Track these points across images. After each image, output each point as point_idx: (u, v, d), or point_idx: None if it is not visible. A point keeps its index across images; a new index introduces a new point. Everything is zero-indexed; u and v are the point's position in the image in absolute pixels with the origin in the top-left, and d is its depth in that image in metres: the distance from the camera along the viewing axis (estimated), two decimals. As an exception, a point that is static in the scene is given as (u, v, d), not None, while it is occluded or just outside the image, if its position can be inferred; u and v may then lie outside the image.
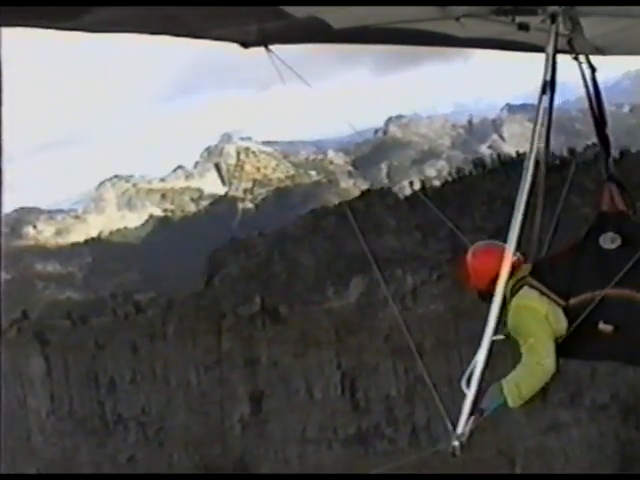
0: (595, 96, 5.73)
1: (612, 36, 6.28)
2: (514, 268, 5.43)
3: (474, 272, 5.61)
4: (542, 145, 5.54)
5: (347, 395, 61.48)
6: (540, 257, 5.69)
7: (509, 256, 5.33)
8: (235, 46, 5.34)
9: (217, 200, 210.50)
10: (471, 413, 5.19)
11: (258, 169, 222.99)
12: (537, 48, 5.63)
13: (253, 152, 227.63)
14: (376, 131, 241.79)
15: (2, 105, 2.93)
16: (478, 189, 61.66)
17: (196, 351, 66.75)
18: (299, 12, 4.68)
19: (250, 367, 63.89)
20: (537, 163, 5.46)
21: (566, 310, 5.30)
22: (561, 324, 5.29)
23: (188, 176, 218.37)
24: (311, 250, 63.54)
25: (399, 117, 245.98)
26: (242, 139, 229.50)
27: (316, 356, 61.77)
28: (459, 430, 5.12)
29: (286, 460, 61.44)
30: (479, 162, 63.38)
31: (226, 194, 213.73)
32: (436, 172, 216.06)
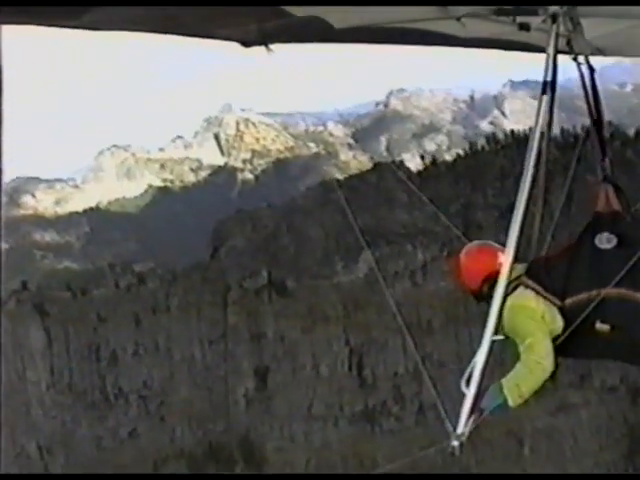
0: (593, 97, 5.76)
1: (613, 37, 6.22)
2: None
3: (466, 272, 5.63)
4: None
5: (354, 372, 60.57)
6: (535, 257, 5.72)
7: (510, 254, 5.23)
8: (236, 45, 5.27)
9: (216, 170, 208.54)
10: (471, 413, 5.15)
11: (257, 140, 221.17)
12: (538, 48, 5.61)
13: (253, 123, 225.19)
14: (377, 104, 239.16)
15: (2, 105, 2.83)
16: (490, 165, 59.85)
17: (201, 324, 65.49)
18: (300, 12, 4.66)
19: (256, 341, 62.71)
20: (537, 163, 5.41)
21: (562, 310, 5.30)
22: (557, 324, 5.29)
23: (187, 146, 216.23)
24: (320, 223, 62.07)
25: (401, 90, 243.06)
26: (242, 110, 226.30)
27: (323, 331, 60.68)
28: (459, 430, 5.08)
29: (292, 437, 60.39)
30: (492, 138, 61.19)
31: (225, 164, 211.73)
32: (436, 146, 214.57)
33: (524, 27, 5.33)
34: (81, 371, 69.10)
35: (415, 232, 59.17)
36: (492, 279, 5.43)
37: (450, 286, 58.89)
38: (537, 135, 5.38)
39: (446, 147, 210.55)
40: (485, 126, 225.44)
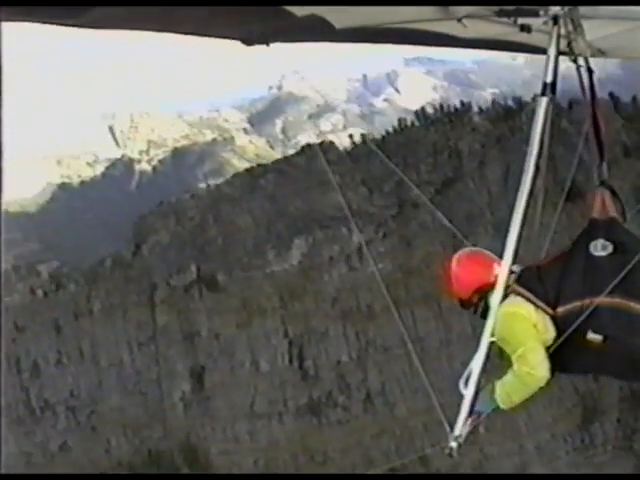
0: (591, 100, 5.67)
1: (614, 39, 6.18)
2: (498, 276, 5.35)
3: (457, 281, 5.54)
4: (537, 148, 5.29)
5: (295, 364, 57.78)
6: (527, 265, 5.51)
7: (509, 258, 5.18)
8: (237, 43, 5.11)
9: (113, 163, 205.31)
10: (469, 414, 5.20)
11: (152, 130, 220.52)
12: (539, 50, 5.59)
13: (147, 113, 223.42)
14: (271, 87, 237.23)
15: (2, 105, 2.85)
16: (422, 141, 57.07)
17: (127, 327, 61.51)
18: (301, 11, 4.58)
19: (189, 341, 59.05)
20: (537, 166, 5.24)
21: (554, 319, 5.20)
22: (549, 334, 5.20)
23: (83, 141, 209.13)
24: (249, 211, 58.72)
25: (294, 72, 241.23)
26: (135, 100, 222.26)
27: (260, 325, 57.78)
28: (456, 431, 5.17)
29: (236, 438, 57.20)
30: (421, 113, 58.22)
31: (122, 157, 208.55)
32: (331, 126, 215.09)
33: (525, 28, 5.26)
34: (2, 385, 63.58)
35: (350, 214, 55.75)
36: (483, 290, 5.41)
37: (389, 267, 56.24)
38: (537, 137, 5.22)
39: (342, 126, 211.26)
40: (379, 103, 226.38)
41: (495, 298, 5.19)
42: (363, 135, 59.66)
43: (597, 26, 5.65)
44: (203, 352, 59.09)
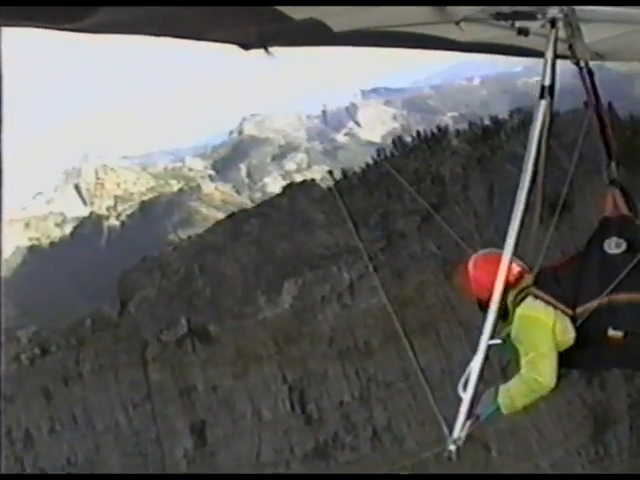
0: (595, 100, 5.73)
1: (612, 42, 6.29)
2: (518, 277, 5.42)
3: (475, 281, 5.55)
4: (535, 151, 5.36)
5: (298, 409, 56.05)
6: (543, 266, 5.55)
7: (508, 255, 5.23)
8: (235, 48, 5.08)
9: (82, 222, 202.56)
10: (467, 418, 5.22)
11: (118, 185, 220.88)
12: (536, 53, 5.61)
13: (111, 169, 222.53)
14: (231, 132, 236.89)
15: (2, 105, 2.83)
16: (403, 170, 56.04)
17: (120, 388, 59.49)
18: (298, 15, 4.53)
19: (186, 397, 57.19)
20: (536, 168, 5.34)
21: (573, 319, 5.21)
22: (569, 334, 5.21)
23: (49, 201, 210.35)
24: (235, 259, 57.06)
25: (253, 115, 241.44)
26: (99, 157, 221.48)
27: (258, 373, 56.17)
28: (455, 434, 5.18)
29: (244, 491, 54.30)
30: (398, 141, 57.22)
31: (90, 214, 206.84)
32: (296, 165, 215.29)
33: (523, 32, 5.23)
34: (-5, 459, 61.04)
35: (338, 252, 54.37)
36: (502, 290, 5.33)
37: (382, 301, 54.96)
38: (535, 139, 5.28)
39: (306, 164, 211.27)
40: (341, 138, 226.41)
41: (495, 298, 5.19)
42: (343, 170, 57.99)
43: (595, 29, 5.67)
44: (202, 407, 57.37)
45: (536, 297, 5.25)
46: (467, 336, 49.65)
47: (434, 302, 54.67)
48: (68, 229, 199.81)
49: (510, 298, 5.34)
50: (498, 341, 5.32)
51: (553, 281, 5.30)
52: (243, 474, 55.79)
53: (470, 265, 5.58)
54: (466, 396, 5.20)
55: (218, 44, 5.08)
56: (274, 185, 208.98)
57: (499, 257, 5.42)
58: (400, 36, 5.48)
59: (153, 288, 60.10)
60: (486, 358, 5.17)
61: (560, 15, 5.15)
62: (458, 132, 59.00)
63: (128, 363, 59.57)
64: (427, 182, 56.23)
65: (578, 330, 5.18)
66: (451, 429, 5.16)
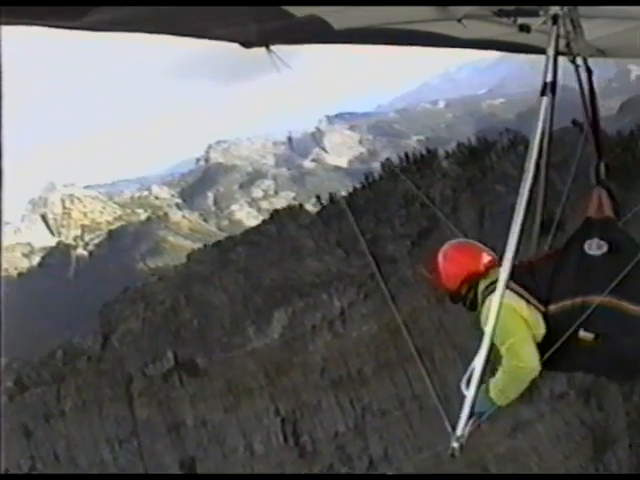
0: (590, 100, 5.74)
1: (614, 38, 6.22)
2: (488, 269, 5.34)
3: (444, 272, 5.45)
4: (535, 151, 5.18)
5: (291, 442, 54.14)
6: (520, 261, 5.33)
7: (511, 254, 5.02)
8: (236, 46, 4.99)
9: (49, 252, 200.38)
10: (470, 415, 5.06)
11: (85, 214, 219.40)
12: (538, 50, 5.56)
13: (78, 198, 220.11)
14: (198, 160, 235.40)
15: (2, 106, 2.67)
16: (392, 193, 54.37)
17: (105, 424, 57.75)
18: (299, 12, 4.49)
19: (175, 432, 55.36)
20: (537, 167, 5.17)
21: (545, 316, 5.16)
22: (540, 330, 5.13)
23: (16, 231, 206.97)
24: (222, 288, 54.75)
25: (219, 142, 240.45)
26: (65, 186, 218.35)
27: (249, 406, 54.61)
28: (458, 432, 5.03)
29: (239, 528, 51.98)
30: (387, 165, 55.60)
31: (57, 244, 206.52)
32: (263, 192, 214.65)
33: (524, 28, 5.22)
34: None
35: (329, 279, 52.43)
36: (472, 280, 5.33)
37: (374, 329, 53.30)
38: (537, 136, 5.10)
39: (273, 191, 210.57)
40: (308, 164, 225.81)
41: (496, 297, 4.97)
42: (330, 194, 56.28)
43: (597, 26, 5.65)
44: (191, 442, 55.44)
45: (510, 290, 5.05)
46: (462, 360, 48.16)
47: (428, 327, 53.14)
48: (36, 259, 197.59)
49: (481, 288, 5.26)
50: None
51: (529, 276, 5.18)
52: (243, 474, 53.84)
53: (440, 257, 5.47)
54: (469, 394, 5.03)
55: (215, 44, 5.10)
56: (241, 212, 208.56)
57: (468, 246, 5.52)
58: (401, 34, 5.45)
59: (137, 320, 57.88)
60: (489, 355, 4.99)
61: (562, 12, 5.11)
62: (447, 154, 57.46)
63: (112, 398, 57.58)
64: (416, 205, 54.72)
65: (549, 328, 5.09)
66: (454, 427, 4.98)
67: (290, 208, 57.95)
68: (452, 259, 5.39)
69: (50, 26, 3.77)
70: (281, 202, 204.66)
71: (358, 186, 57.74)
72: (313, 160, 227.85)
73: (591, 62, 5.68)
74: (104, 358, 58.73)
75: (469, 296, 5.33)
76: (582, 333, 4.96)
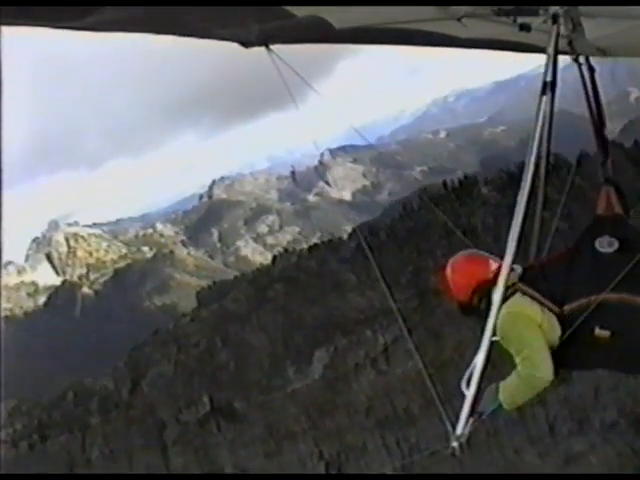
0: (594, 97, 5.69)
1: (614, 37, 6.03)
2: (497, 275, 5.21)
3: (454, 284, 5.48)
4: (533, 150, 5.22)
5: None
6: (530, 263, 5.56)
7: (510, 256, 5.03)
8: (236, 45, 5.01)
9: (55, 292, 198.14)
10: (470, 414, 5.08)
11: (90, 253, 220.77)
12: (538, 49, 5.53)
13: (82, 237, 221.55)
14: (201, 196, 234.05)
15: (2, 106, 2.75)
16: (432, 223, 51.79)
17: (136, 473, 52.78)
18: (300, 11, 4.43)
19: None
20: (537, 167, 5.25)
21: (560, 317, 5.11)
22: (555, 332, 5.11)
23: (20, 271, 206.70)
24: (260, 328, 51.46)
25: (222, 179, 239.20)
26: (69, 225, 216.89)
27: (291, 451, 52.51)
28: (458, 431, 5.04)
29: None
30: (424, 192, 52.98)
31: (63, 283, 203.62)
32: (268, 228, 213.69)
33: (525, 28, 5.15)
34: None
35: (373, 314, 49.48)
36: (482, 289, 5.32)
37: (419, 365, 50.05)
38: (537, 136, 5.09)
39: (278, 226, 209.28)
40: (312, 198, 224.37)
41: (496, 297, 5.00)
42: (370, 226, 53.43)
43: (597, 25, 5.56)
44: (232, 491, 51.54)
45: (523, 294, 5.10)
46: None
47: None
48: (41, 299, 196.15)
49: (493, 298, 5.15)
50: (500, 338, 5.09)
51: (541, 278, 5.18)
52: (243, 474, 51.56)
53: (448, 270, 5.54)
54: (469, 393, 5.00)
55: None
56: (247, 249, 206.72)
57: (474, 256, 5.58)
58: (402, 33, 5.37)
59: (169, 364, 54.97)
60: (489, 355, 4.93)
61: (562, 11, 5.03)
62: (486, 180, 54.77)
63: (144, 447, 54.73)
64: (456, 235, 52.01)
65: (565, 328, 5.03)
66: (454, 426, 4.88)
67: (330, 241, 55.16)
68: (460, 270, 5.44)
69: (50, 26, 3.70)
70: (287, 237, 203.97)
71: (396, 217, 55.26)
72: (317, 194, 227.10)
73: None
74: (134, 404, 55.83)
75: (481, 306, 5.29)
76: (598, 331, 4.92)
